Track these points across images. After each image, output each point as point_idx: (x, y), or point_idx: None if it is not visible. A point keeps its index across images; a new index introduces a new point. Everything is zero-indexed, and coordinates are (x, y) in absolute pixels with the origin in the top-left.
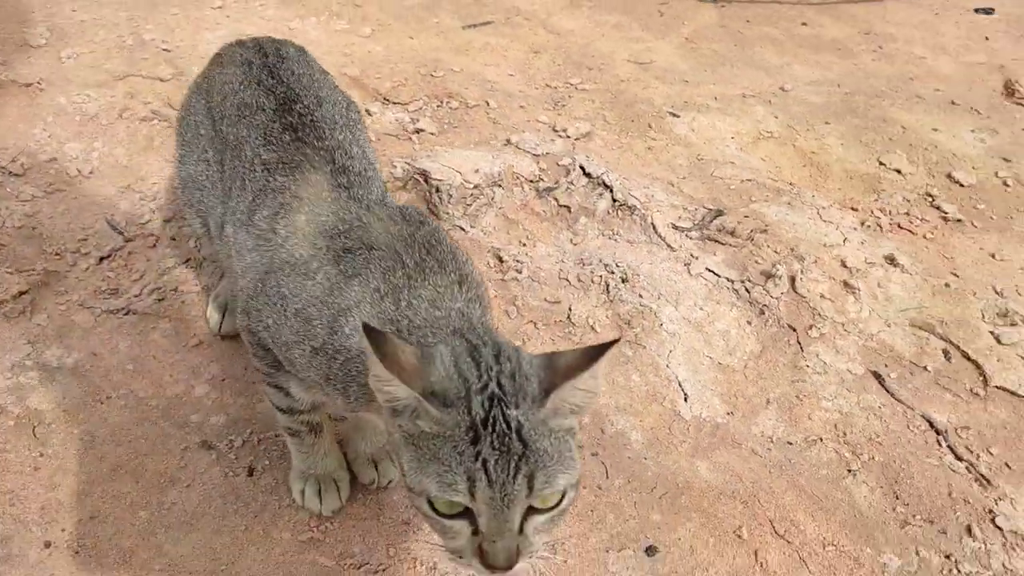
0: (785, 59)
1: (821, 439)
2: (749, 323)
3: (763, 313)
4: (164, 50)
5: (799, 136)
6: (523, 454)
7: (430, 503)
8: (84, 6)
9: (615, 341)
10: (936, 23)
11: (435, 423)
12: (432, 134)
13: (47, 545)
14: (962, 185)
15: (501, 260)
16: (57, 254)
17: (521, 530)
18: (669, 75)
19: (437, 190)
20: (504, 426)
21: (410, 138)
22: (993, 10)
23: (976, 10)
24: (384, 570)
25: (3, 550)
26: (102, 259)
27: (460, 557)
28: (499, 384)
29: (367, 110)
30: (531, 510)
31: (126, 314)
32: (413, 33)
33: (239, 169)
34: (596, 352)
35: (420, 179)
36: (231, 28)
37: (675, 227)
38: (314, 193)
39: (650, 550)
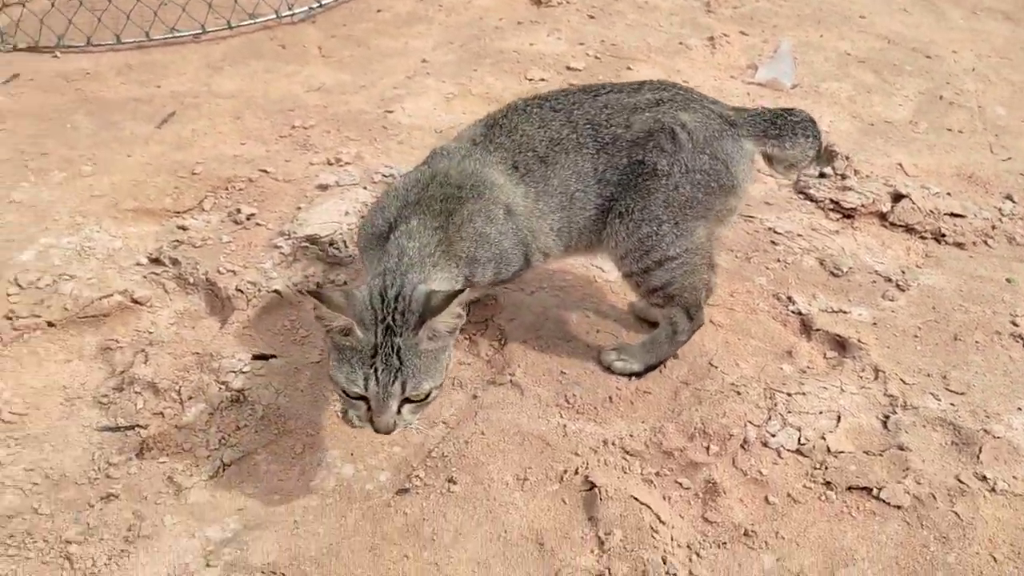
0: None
1: None
2: None
3: None
4: None
5: (471, 86)
6: (399, 368)
7: (342, 390)
8: None
9: (460, 291)
10: None
11: (355, 341)
12: None
13: None
14: (579, 70)
15: None
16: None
17: (399, 411)
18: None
19: None
20: (390, 348)
21: None
22: None
23: None
24: None
25: None
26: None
27: (359, 421)
28: (393, 319)
29: None
30: (406, 400)
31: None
32: None
33: None
34: (453, 295)
35: None
36: None
37: None
38: None
39: None
